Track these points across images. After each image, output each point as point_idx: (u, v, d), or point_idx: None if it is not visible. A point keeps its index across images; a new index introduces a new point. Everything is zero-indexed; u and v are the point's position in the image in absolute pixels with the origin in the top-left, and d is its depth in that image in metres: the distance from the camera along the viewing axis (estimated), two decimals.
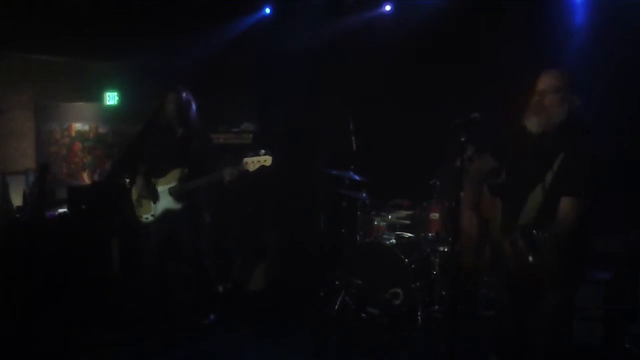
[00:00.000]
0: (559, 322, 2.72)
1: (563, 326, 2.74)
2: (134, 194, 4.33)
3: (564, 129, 2.69)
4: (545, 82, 2.76)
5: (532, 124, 2.74)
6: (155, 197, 4.23)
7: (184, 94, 4.21)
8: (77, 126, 7.44)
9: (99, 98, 7.58)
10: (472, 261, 3.07)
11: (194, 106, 4.28)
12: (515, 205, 2.70)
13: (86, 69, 7.42)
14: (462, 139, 2.48)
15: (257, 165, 3.95)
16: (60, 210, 5.66)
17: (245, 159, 3.95)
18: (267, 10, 6.33)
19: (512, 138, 2.86)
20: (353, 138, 5.22)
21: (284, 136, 6.04)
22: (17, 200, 5.76)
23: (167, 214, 4.23)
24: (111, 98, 7.56)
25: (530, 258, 2.43)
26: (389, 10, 5.83)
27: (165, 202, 4.22)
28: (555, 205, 2.59)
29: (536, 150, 2.70)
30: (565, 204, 2.57)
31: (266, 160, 3.94)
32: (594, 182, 2.60)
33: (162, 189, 4.23)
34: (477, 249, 2.94)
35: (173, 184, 4.19)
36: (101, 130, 7.43)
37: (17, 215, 5.54)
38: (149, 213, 4.25)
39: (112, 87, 7.54)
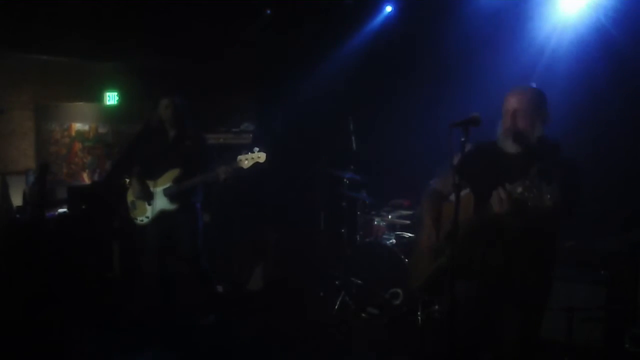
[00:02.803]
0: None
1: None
2: (129, 196, 4.35)
3: (539, 146, 2.58)
4: (516, 102, 2.60)
5: (508, 145, 2.60)
6: (149, 199, 4.24)
7: (178, 98, 4.25)
8: (77, 126, 7.43)
9: (99, 98, 7.58)
10: (429, 266, 2.87)
11: (188, 110, 4.31)
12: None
13: (86, 69, 7.41)
14: (462, 139, 2.46)
15: (251, 162, 3.97)
16: (60, 210, 5.66)
17: (239, 157, 3.98)
18: (267, 11, 6.32)
19: (481, 157, 2.69)
20: (353, 138, 5.22)
21: (284, 136, 6.04)
22: (17, 200, 5.76)
23: (162, 215, 4.24)
24: (111, 98, 7.56)
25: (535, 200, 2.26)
26: (390, 12, 5.83)
27: (161, 203, 4.23)
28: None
29: (511, 167, 2.56)
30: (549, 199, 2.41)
31: (260, 157, 3.96)
32: (572, 185, 2.48)
33: (157, 190, 4.24)
34: (435, 250, 2.78)
35: (168, 185, 4.21)
36: (101, 130, 7.43)
37: (17, 215, 5.54)
38: (144, 215, 4.27)
39: (112, 87, 7.54)
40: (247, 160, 3.96)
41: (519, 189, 2.26)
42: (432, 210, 2.90)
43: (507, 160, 2.60)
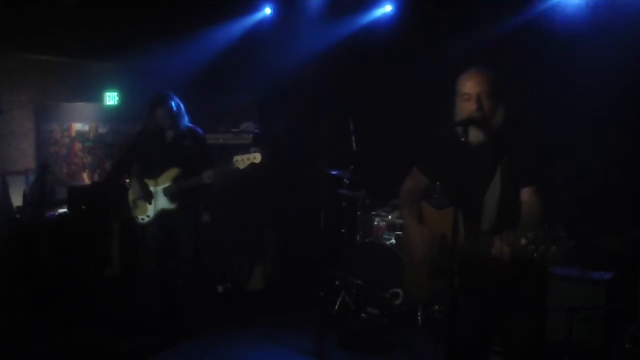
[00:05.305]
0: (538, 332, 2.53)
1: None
2: (130, 196, 4.37)
3: (504, 133, 2.43)
4: (477, 86, 2.40)
5: (471, 135, 2.38)
6: (150, 198, 4.27)
7: (171, 101, 4.25)
8: (77, 126, 7.43)
9: (99, 98, 7.57)
10: (428, 284, 2.68)
11: (182, 109, 4.33)
12: (473, 211, 2.44)
13: (86, 69, 7.40)
14: (462, 139, 2.42)
15: (247, 163, 4.02)
16: (60, 210, 5.66)
17: (235, 157, 4.05)
18: (268, 11, 6.33)
19: (444, 151, 2.51)
20: (353, 138, 5.22)
21: (284, 136, 6.04)
22: (17, 200, 5.75)
23: (163, 214, 4.26)
24: (111, 98, 7.55)
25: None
26: (390, 11, 5.82)
27: (161, 202, 4.26)
28: (513, 202, 2.39)
29: (479, 160, 2.45)
30: (528, 195, 2.36)
31: (255, 157, 4.01)
32: (548, 171, 2.44)
33: (157, 189, 4.27)
34: (434, 268, 2.59)
35: (167, 184, 4.23)
36: (101, 130, 7.43)
37: (17, 215, 5.54)
38: (145, 214, 4.29)
39: (112, 87, 7.53)
40: (242, 161, 4.01)
41: (523, 241, 2.07)
42: (411, 214, 2.77)
43: (469, 152, 2.42)
